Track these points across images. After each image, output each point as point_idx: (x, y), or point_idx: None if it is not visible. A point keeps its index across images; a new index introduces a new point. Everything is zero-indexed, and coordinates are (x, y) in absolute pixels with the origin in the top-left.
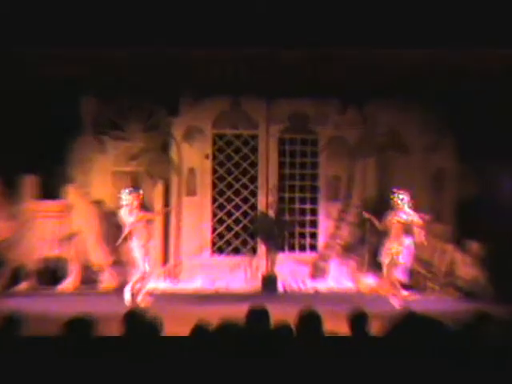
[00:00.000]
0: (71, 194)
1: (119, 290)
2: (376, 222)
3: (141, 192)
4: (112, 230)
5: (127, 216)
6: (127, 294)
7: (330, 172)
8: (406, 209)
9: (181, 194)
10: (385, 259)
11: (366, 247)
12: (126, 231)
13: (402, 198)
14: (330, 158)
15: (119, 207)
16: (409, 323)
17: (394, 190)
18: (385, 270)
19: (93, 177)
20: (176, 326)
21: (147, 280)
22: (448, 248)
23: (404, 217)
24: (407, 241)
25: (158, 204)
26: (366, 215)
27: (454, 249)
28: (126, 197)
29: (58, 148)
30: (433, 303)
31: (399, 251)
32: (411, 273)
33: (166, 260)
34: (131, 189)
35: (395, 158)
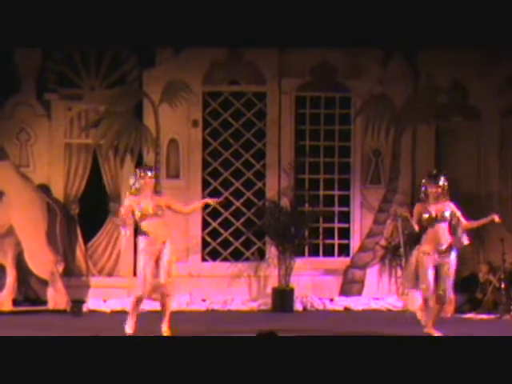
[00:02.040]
0: (3, 175)
1: (71, 312)
2: (411, 221)
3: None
4: (63, 227)
5: (142, 208)
6: (127, 325)
7: (368, 145)
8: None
9: (159, 176)
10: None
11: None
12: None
13: (441, 185)
14: (367, 126)
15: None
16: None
17: (434, 171)
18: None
19: (35, 152)
20: None
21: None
22: None
23: (446, 213)
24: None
25: (127, 189)
26: (403, 213)
27: None
28: (141, 180)
29: None
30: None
31: (445, 261)
32: (477, 286)
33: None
34: (147, 168)
35: (460, 127)
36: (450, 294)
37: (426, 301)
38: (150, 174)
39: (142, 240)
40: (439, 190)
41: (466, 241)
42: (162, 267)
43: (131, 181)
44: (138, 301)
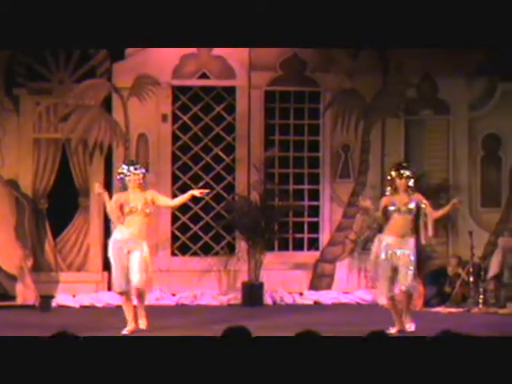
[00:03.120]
0: None
1: (40, 308)
2: (374, 212)
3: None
4: (32, 222)
5: (135, 202)
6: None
7: (338, 139)
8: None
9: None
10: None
11: None
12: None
13: (407, 175)
14: (337, 120)
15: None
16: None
17: (401, 161)
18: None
19: (3, 147)
20: None
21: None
22: (506, 243)
23: (411, 205)
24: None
25: (95, 183)
26: (363, 203)
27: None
28: (134, 175)
29: None
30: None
31: (405, 253)
32: (446, 280)
33: (107, 265)
34: (132, 163)
35: (429, 120)
36: (412, 284)
37: (391, 297)
38: (134, 169)
39: (117, 235)
40: (405, 182)
41: (431, 233)
42: (137, 263)
43: (118, 177)
44: (123, 297)
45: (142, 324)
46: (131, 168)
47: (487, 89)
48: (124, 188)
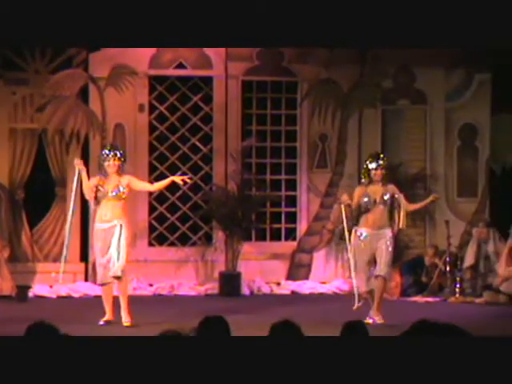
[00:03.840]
0: None
1: (16, 298)
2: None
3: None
4: (8, 213)
5: (108, 187)
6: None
7: (315, 129)
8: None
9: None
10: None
11: None
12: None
13: (382, 166)
14: (314, 110)
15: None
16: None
17: (376, 152)
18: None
19: None
20: None
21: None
22: (480, 234)
23: (386, 196)
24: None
25: (73, 174)
26: (345, 200)
27: (488, 235)
28: (113, 161)
29: None
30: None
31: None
32: (423, 269)
33: (84, 255)
34: (110, 148)
35: (406, 110)
36: (385, 274)
37: (369, 291)
38: (112, 154)
39: (97, 224)
40: (380, 172)
41: (401, 225)
42: (113, 251)
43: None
44: (103, 289)
45: (126, 321)
46: (111, 153)
47: (464, 79)
48: (104, 174)
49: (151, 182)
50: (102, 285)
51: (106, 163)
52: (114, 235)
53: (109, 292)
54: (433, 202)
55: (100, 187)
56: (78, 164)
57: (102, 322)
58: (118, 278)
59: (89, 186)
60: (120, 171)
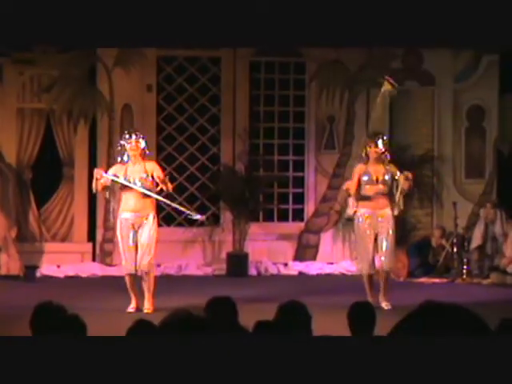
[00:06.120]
0: None
1: (24, 278)
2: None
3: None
4: (16, 193)
5: (133, 175)
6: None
7: (323, 110)
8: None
9: (112, 141)
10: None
11: None
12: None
13: (381, 147)
14: (322, 91)
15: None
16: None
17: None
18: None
19: None
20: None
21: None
22: (488, 215)
23: (386, 176)
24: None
25: (80, 154)
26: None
27: (495, 216)
28: (134, 145)
29: None
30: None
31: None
32: (430, 251)
33: (92, 235)
34: (129, 133)
35: (415, 92)
36: (390, 268)
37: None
38: (133, 138)
39: (124, 214)
40: (379, 151)
41: (401, 206)
42: (143, 244)
43: (118, 149)
44: (128, 278)
45: (147, 309)
46: (133, 136)
47: (472, 60)
48: (122, 160)
49: (159, 163)
50: (128, 275)
51: (128, 146)
52: (144, 228)
53: (134, 281)
54: (407, 182)
55: (120, 175)
56: (97, 173)
57: (130, 309)
58: (145, 273)
59: (103, 189)
60: (143, 155)
